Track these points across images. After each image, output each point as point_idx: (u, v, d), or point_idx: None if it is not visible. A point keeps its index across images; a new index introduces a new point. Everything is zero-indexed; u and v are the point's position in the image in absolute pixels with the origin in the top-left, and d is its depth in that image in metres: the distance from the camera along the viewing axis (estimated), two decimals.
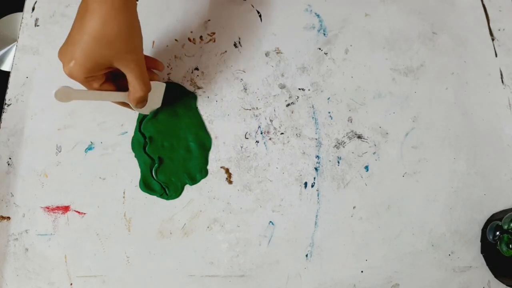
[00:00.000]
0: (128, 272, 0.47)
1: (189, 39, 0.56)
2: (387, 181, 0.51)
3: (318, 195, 0.50)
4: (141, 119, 0.51)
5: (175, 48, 0.56)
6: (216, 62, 0.55)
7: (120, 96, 0.46)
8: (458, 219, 0.50)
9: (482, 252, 0.49)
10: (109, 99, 0.46)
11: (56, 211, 0.49)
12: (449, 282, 0.48)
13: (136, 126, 0.51)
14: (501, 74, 0.57)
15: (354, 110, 0.54)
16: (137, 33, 0.42)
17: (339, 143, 0.52)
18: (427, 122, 0.54)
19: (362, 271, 0.48)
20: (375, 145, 0.53)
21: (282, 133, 0.52)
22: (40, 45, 0.55)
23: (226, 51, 0.56)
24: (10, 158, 0.50)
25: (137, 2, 0.42)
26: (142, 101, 0.46)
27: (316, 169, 0.51)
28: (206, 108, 0.53)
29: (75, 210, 0.49)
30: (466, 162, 0.53)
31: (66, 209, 0.49)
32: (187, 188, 0.50)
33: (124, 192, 0.49)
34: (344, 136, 0.53)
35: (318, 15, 0.58)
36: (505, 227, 0.46)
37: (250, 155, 0.51)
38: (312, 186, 0.51)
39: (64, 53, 0.40)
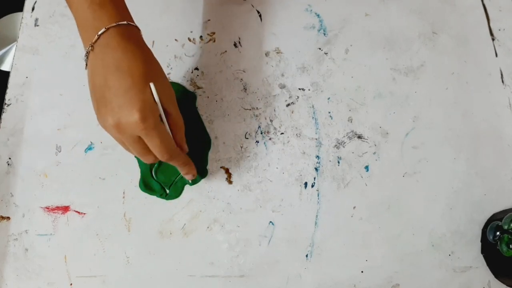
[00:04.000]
0: (128, 272, 0.47)
1: (189, 39, 0.56)
2: (387, 181, 0.51)
3: (318, 195, 0.50)
4: None
5: (175, 48, 0.55)
6: (216, 62, 0.55)
7: None
8: (458, 219, 0.50)
9: (482, 252, 0.49)
10: None
11: (56, 211, 0.49)
12: (449, 282, 0.48)
13: None
14: (501, 74, 0.57)
15: (354, 110, 0.54)
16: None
17: (339, 143, 0.52)
18: (427, 122, 0.54)
19: (362, 271, 0.48)
20: (375, 145, 0.52)
21: (282, 133, 0.52)
22: (40, 45, 0.55)
23: (226, 51, 0.56)
24: (10, 158, 0.50)
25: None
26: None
27: (316, 169, 0.51)
28: (206, 108, 0.53)
29: (75, 210, 0.49)
30: (466, 162, 0.53)
31: (66, 209, 0.49)
32: (187, 188, 0.50)
33: (124, 192, 0.49)
34: (344, 136, 0.53)
35: (318, 15, 0.58)
36: (505, 227, 0.46)
37: (250, 155, 0.51)
38: (312, 186, 0.51)
39: (116, 105, 0.35)
